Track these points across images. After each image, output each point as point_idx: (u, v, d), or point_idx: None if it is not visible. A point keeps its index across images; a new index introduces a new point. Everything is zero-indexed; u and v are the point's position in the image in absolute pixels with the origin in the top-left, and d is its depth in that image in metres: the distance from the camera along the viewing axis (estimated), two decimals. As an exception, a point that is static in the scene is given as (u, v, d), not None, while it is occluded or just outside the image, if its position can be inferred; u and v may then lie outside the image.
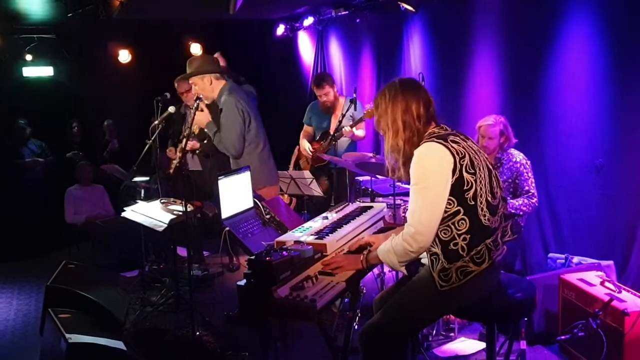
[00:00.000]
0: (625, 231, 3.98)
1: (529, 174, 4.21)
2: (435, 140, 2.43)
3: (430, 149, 2.42)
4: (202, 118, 4.54)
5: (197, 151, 5.51)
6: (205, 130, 4.59)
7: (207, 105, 4.63)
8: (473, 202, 2.40)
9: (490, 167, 2.54)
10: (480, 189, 2.42)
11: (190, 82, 4.61)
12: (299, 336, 4.00)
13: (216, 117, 4.63)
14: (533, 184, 4.19)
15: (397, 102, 2.52)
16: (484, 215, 2.42)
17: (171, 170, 5.55)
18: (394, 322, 2.54)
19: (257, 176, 4.37)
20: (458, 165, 2.38)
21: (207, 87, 4.51)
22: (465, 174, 2.39)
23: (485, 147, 4.18)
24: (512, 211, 4.09)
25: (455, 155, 2.39)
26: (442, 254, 2.42)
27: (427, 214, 2.38)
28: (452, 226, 2.40)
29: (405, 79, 2.64)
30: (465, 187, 2.39)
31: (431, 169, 2.39)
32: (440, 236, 2.42)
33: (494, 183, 2.52)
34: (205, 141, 5.32)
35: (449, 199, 2.38)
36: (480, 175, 2.44)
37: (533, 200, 4.16)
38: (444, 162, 2.38)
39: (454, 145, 2.42)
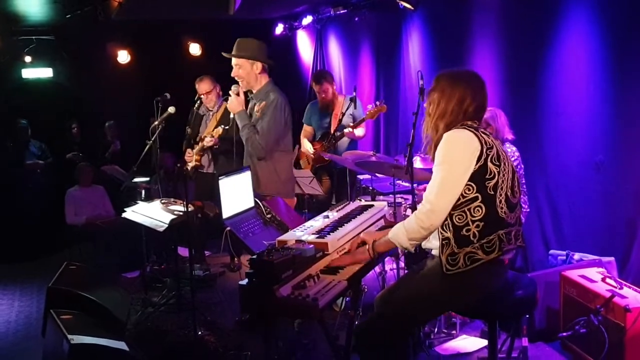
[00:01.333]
0: (625, 227, 3.98)
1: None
2: (467, 127, 2.48)
3: (459, 133, 2.46)
4: (236, 104, 4.21)
5: (215, 147, 5.42)
6: (235, 117, 4.25)
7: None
8: (493, 192, 2.43)
9: (515, 169, 2.57)
10: (502, 182, 2.46)
11: (235, 62, 4.24)
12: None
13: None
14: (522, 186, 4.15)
15: (457, 88, 2.56)
16: (501, 208, 2.45)
17: (189, 169, 5.52)
18: (397, 317, 2.54)
19: (288, 187, 4.32)
20: (484, 154, 2.42)
21: (254, 74, 4.22)
22: (489, 164, 2.42)
23: None
24: None
25: (484, 144, 2.43)
26: (454, 239, 2.44)
27: (443, 194, 2.42)
28: (468, 212, 2.43)
29: (477, 75, 2.67)
30: (487, 176, 2.42)
31: (456, 152, 2.43)
32: (455, 221, 2.44)
33: (516, 183, 2.55)
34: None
35: (469, 185, 2.41)
36: (504, 170, 2.47)
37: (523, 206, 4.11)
38: (470, 147, 2.42)
39: (483, 136, 2.47)
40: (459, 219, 2.44)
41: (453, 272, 2.44)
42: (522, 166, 4.22)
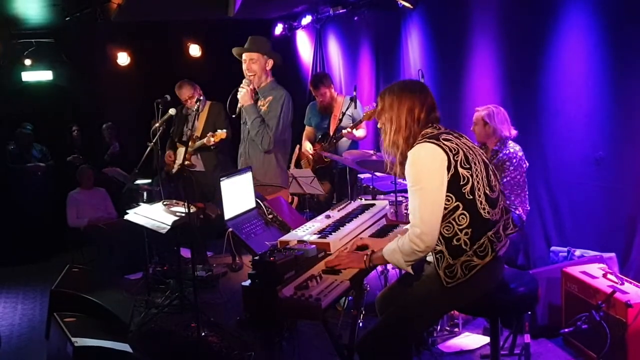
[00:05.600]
0: (626, 223, 3.99)
1: (514, 169, 4.13)
2: (427, 140, 2.46)
3: (422, 150, 2.45)
4: (247, 97, 4.38)
5: (213, 147, 5.45)
6: (245, 110, 4.41)
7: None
8: (471, 196, 2.42)
9: (487, 161, 2.57)
10: (478, 182, 2.45)
11: (247, 56, 4.41)
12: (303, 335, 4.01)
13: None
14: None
15: (404, 99, 2.55)
16: (484, 209, 2.45)
17: (174, 170, 5.56)
18: (398, 328, 2.54)
19: (283, 177, 4.52)
20: (452, 161, 2.40)
21: (264, 70, 4.43)
22: (460, 169, 2.41)
23: (473, 132, 4.27)
24: None
25: (448, 152, 2.42)
26: (447, 251, 2.44)
27: (427, 213, 2.40)
28: (453, 222, 2.43)
29: (414, 81, 2.71)
30: (461, 182, 2.42)
31: (425, 169, 2.42)
32: (443, 233, 2.44)
33: (492, 177, 2.54)
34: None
35: (447, 195, 2.41)
36: (476, 170, 2.47)
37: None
38: (436, 161, 2.40)
39: (446, 142, 2.45)
40: (446, 230, 2.44)
41: (453, 283, 2.44)
42: (527, 164, 4.21)
